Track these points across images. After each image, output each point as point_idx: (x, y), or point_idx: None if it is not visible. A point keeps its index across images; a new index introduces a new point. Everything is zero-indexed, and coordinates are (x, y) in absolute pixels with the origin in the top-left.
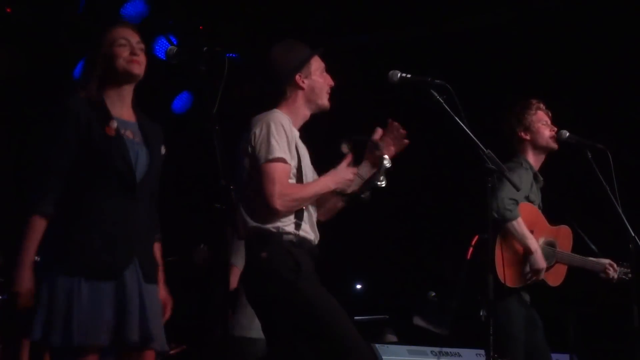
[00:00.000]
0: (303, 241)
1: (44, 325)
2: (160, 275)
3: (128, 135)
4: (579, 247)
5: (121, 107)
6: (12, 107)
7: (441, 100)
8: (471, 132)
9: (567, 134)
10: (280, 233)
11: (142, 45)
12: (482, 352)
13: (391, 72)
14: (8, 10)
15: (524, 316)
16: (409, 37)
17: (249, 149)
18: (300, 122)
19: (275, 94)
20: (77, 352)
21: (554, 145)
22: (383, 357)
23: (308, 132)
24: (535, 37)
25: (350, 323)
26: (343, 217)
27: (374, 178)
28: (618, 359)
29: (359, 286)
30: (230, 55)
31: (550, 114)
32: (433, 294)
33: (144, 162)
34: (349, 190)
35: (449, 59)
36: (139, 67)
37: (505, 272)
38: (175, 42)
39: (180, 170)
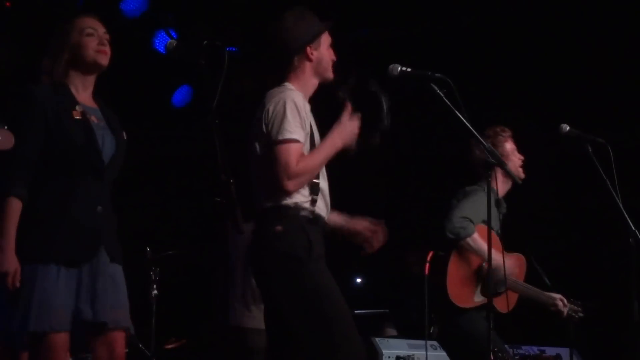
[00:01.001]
0: (318, 218)
1: (9, 312)
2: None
3: (93, 120)
4: (533, 280)
5: (84, 94)
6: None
7: (441, 94)
8: (471, 126)
9: (568, 127)
10: (297, 208)
11: (107, 36)
12: None
13: (391, 65)
14: (7, 4)
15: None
16: (409, 32)
17: (263, 126)
18: (311, 92)
19: (282, 63)
20: (43, 338)
21: (522, 176)
22: (383, 350)
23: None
24: (534, 34)
25: (349, 317)
26: (343, 211)
27: (378, 121)
28: (618, 354)
29: (359, 280)
30: (230, 49)
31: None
32: None
33: (109, 145)
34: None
35: (448, 55)
36: (106, 59)
37: (457, 291)
38: (175, 36)
39: (180, 164)
